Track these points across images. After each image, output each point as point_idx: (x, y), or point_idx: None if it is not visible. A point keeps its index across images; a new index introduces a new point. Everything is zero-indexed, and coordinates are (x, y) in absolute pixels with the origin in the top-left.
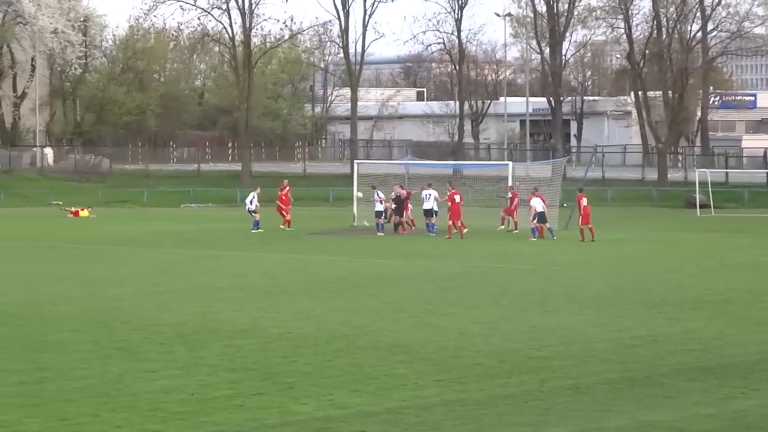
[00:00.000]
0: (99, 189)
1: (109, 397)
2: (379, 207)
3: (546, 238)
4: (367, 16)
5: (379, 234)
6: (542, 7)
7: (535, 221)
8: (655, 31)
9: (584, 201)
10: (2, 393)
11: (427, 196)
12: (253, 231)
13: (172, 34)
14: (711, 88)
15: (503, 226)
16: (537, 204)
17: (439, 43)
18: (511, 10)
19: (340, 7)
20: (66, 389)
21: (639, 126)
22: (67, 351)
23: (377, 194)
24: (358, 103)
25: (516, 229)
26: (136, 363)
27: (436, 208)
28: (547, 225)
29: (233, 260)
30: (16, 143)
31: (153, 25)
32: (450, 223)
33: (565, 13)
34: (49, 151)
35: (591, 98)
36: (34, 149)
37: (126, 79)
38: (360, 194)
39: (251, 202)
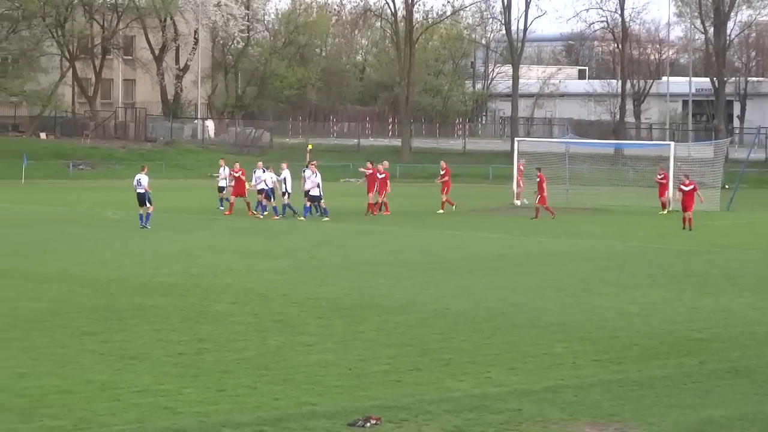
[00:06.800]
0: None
1: (267, 370)
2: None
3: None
4: None
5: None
6: None
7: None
8: None
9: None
10: (162, 363)
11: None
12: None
13: (335, 9)
14: None
15: (663, 211)
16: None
17: (601, 21)
18: None
19: None
20: (224, 360)
21: None
22: (225, 323)
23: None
24: (520, 81)
25: (665, 209)
26: (293, 336)
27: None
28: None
29: (391, 235)
30: (178, 115)
31: None
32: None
33: None
34: (210, 124)
35: (755, 79)
36: (196, 121)
37: (288, 53)
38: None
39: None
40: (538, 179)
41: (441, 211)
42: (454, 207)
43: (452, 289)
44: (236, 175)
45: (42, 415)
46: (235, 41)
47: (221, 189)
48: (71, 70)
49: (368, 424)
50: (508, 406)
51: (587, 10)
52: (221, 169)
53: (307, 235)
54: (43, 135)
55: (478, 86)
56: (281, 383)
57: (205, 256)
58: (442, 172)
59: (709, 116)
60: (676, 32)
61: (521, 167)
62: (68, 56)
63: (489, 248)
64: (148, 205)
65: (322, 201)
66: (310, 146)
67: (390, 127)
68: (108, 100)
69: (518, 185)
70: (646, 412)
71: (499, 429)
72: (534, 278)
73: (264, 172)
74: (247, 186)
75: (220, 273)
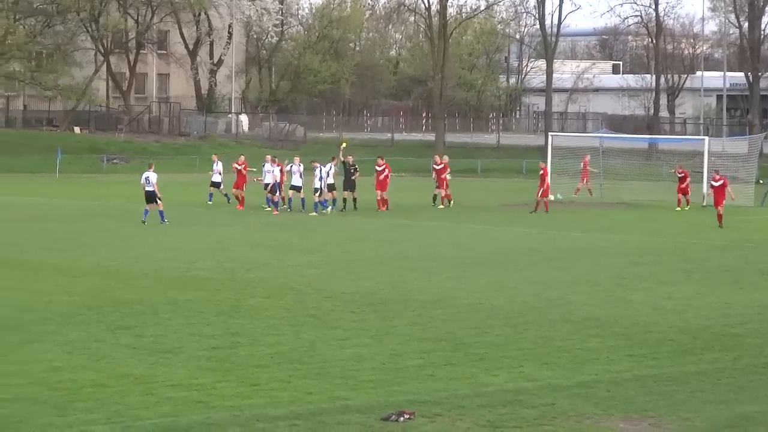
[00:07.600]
0: (293, 156)
1: (301, 364)
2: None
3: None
4: None
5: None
6: None
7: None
8: None
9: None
10: (196, 357)
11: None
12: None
13: (368, 3)
14: None
15: (679, 207)
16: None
17: (636, 16)
18: None
19: None
20: (258, 355)
21: None
22: (259, 317)
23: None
24: (554, 75)
25: (688, 204)
26: (327, 330)
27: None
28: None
29: (424, 230)
30: (212, 110)
31: None
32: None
33: None
34: (244, 118)
35: None
36: (230, 116)
37: (321, 48)
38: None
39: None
40: (542, 173)
41: (451, 203)
42: (441, 206)
43: (486, 284)
44: (238, 168)
45: (76, 408)
46: (269, 36)
47: (215, 184)
48: (105, 64)
49: (401, 419)
50: (541, 401)
51: (621, 4)
52: (214, 164)
53: (339, 229)
54: (77, 129)
55: (512, 81)
56: (315, 377)
57: (238, 251)
58: (439, 167)
59: (743, 111)
60: (711, 27)
61: (587, 161)
62: (102, 51)
63: (522, 243)
64: (158, 202)
65: (317, 195)
66: (344, 144)
67: (424, 121)
68: (142, 95)
69: (582, 180)
70: (680, 407)
71: (532, 424)
72: (567, 273)
73: (272, 166)
74: (263, 180)
75: (254, 267)
